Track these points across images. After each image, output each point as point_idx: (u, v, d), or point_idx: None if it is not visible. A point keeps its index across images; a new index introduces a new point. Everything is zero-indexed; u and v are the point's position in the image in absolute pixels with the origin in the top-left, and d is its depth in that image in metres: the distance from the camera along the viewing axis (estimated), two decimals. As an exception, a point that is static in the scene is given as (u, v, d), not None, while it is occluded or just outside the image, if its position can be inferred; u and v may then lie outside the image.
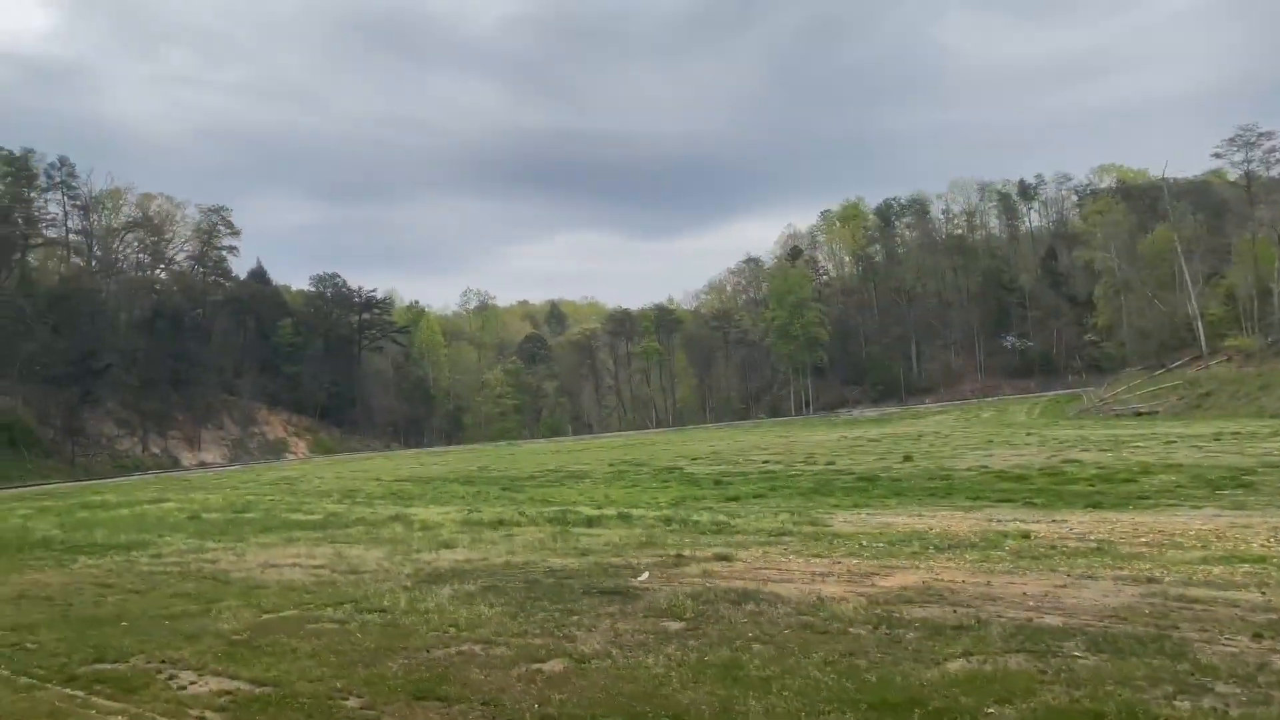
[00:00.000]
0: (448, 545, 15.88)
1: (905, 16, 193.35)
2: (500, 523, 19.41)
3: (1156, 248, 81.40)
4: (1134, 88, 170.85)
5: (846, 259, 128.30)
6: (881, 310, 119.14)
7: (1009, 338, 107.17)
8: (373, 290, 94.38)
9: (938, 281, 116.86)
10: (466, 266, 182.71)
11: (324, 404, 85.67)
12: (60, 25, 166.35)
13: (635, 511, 19.95)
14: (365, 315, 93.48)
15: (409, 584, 11.67)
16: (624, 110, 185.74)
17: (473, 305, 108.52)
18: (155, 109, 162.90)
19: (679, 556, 13.04)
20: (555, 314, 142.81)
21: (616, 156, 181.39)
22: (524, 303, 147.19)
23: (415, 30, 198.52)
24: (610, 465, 42.46)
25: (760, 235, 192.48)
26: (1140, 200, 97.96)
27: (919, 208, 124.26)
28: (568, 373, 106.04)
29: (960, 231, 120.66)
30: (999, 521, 15.98)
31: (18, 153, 77.21)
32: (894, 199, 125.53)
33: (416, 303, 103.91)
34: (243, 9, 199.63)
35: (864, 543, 13.62)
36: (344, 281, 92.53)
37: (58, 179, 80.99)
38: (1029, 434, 50.02)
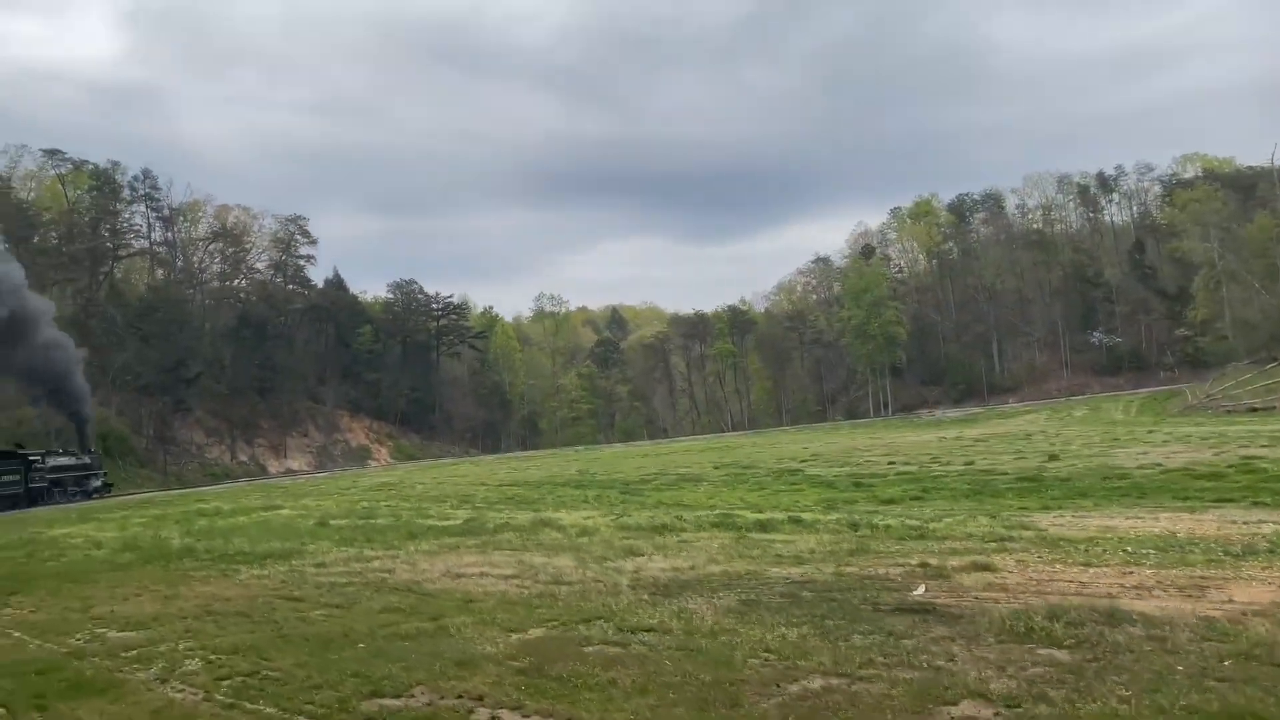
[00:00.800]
0: (633, 553, 14.69)
1: (954, 14, 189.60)
2: (662, 528, 18.18)
3: (1260, 236, 77.60)
4: (1198, 77, 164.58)
5: (920, 257, 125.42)
6: (958, 308, 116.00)
7: (1096, 334, 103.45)
8: (449, 296, 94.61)
9: (1017, 278, 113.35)
10: (521, 275, 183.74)
11: (404, 410, 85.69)
12: (130, 49, 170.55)
13: (805, 516, 18.56)
14: (442, 321, 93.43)
15: (645, 596, 10.47)
16: (675, 117, 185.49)
17: (546, 309, 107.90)
18: (222, 128, 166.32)
19: (925, 565, 11.64)
20: (616, 319, 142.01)
21: (668, 163, 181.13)
22: (583, 309, 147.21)
23: (470, 44, 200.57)
24: (716, 468, 41.14)
25: (813, 238, 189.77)
26: (1233, 188, 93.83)
27: (993, 203, 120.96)
28: (639, 376, 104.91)
29: (1038, 226, 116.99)
30: (1246, 523, 14.32)
31: (103, 166, 78.54)
32: (966, 194, 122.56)
33: (490, 308, 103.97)
34: (305, 30, 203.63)
35: (1127, 550, 12.07)
36: (420, 287, 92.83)
37: (141, 191, 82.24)
38: (1150, 431, 47.52)
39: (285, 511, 30.13)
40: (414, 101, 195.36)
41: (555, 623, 9.22)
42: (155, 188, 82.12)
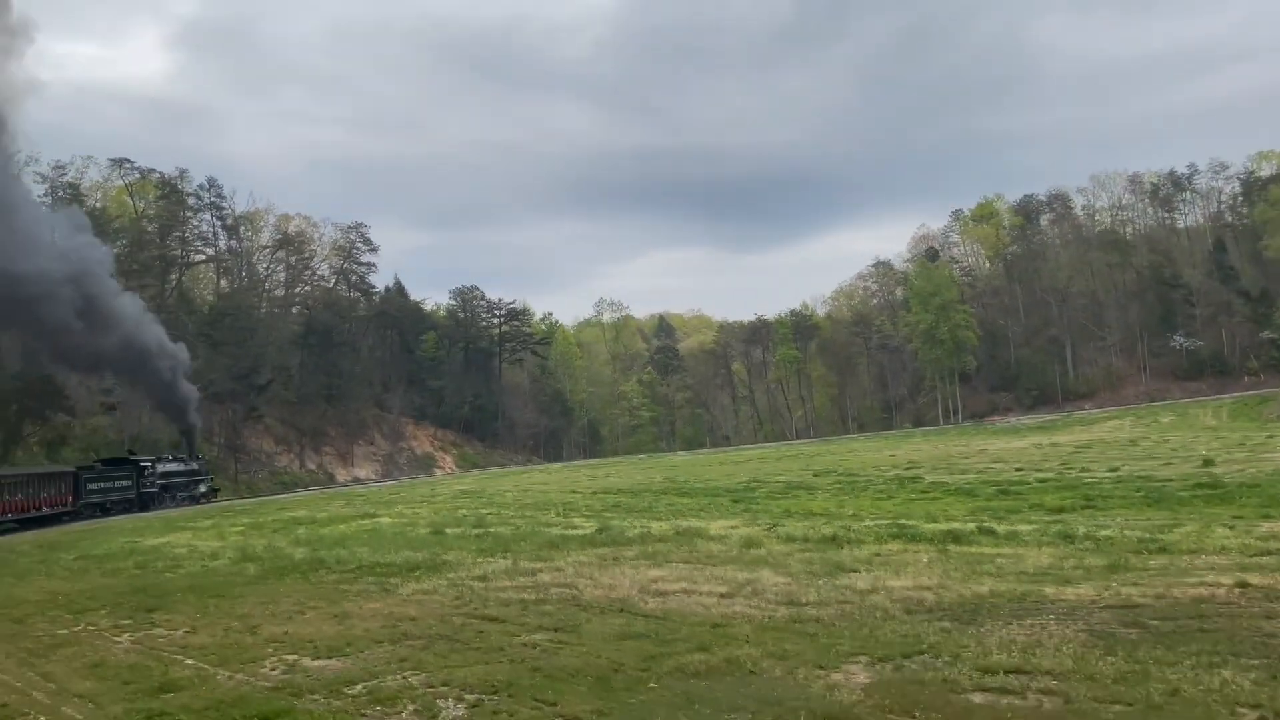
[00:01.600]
0: (840, 567, 12.94)
1: (1000, 19, 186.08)
2: (834, 539, 16.44)
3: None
4: (1249, 78, 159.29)
5: (984, 259, 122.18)
6: (1027, 311, 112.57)
7: (1177, 337, 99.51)
8: (512, 302, 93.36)
9: (1089, 280, 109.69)
10: (563, 286, 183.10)
11: (467, 418, 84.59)
12: (182, 69, 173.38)
13: (999, 527, 16.68)
14: (505, 327, 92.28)
15: (928, 622, 8.72)
16: (716, 126, 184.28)
17: (605, 316, 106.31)
18: (270, 144, 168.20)
19: (1244, 585, 9.75)
20: (664, 327, 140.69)
21: (709, 173, 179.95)
22: (628, 317, 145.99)
23: (512, 58, 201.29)
24: (816, 475, 39.37)
25: (857, 246, 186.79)
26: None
27: (1060, 204, 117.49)
28: (698, 383, 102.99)
29: (1109, 226, 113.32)
30: None
31: (170, 175, 78.66)
32: (1031, 195, 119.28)
33: (549, 314, 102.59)
34: (351, 48, 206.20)
35: None
36: (482, 293, 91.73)
37: (207, 200, 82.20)
38: (1270, 437, 45.02)
39: (385, 520, 28.85)
40: (457, 115, 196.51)
41: (867, 657, 7.50)
42: (221, 196, 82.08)
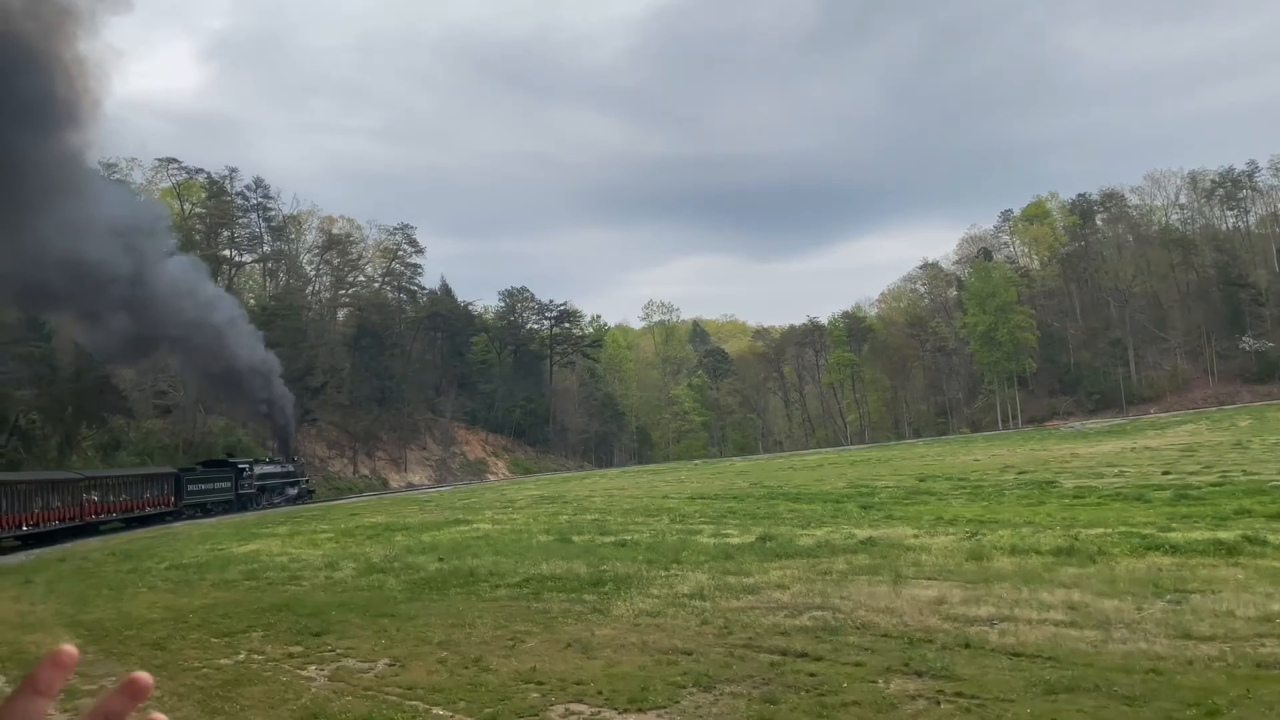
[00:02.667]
0: (1160, 586, 10.55)
1: (1027, 24, 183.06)
2: (1068, 551, 14.06)
3: None
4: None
5: (1035, 260, 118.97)
6: (1085, 313, 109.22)
7: (1245, 338, 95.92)
8: (563, 303, 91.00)
9: (1150, 280, 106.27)
10: (591, 294, 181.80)
11: (519, 422, 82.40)
12: (213, 81, 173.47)
13: (1271, 538, 14.22)
14: (556, 329, 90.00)
15: None
16: (741, 133, 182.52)
17: (655, 318, 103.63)
18: (299, 155, 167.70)
19: None
20: (698, 332, 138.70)
21: (734, 180, 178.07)
22: (661, 323, 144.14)
23: (538, 68, 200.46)
24: (921, 480, 36.99)
25: (881, 253, 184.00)
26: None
27: (1115, 203, 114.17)
28: (748, 388, 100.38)
29: (1170, 225, 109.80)
30: None
31: (220, 173, 77.48)
32: (1084, 194, 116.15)
33: (598, 317, 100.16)
34: (379, 60, 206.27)
35: None
36: (532, 294, 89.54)
37: (254, 201, 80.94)
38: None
39: (485, 526, 26.77)
40: (483, 125, 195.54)
41: None
42: (268, 196, 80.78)
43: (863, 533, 18.14)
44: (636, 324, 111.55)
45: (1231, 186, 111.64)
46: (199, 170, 77.42)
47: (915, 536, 17.45)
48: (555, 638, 9.62)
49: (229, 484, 48.40)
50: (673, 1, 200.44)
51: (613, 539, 20.18)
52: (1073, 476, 33.68)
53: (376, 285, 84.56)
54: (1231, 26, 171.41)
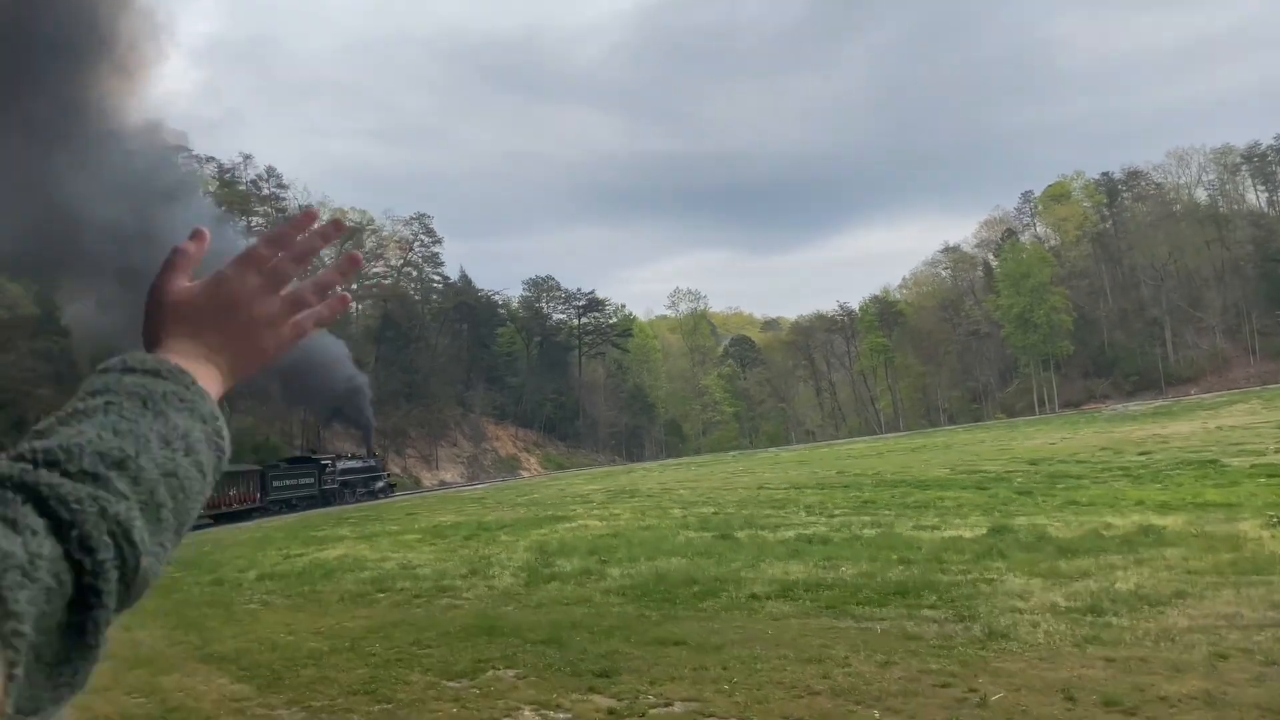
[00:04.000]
0: None
1: (1012, 16, 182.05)
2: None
3: None
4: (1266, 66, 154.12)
5: (1058, 240, 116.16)
6: (1116, 293, 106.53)
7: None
8: (591, 291, 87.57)
9: (1184, 259, 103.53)
10: (582, 290, 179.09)
11: (550, 416, 79.09)
12: (206, 84, 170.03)
13: None
14: (585, 319, 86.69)
15: None
16: (733, 127, 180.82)
17: (682, 307, 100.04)
18: (294, 157, 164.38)
19: None
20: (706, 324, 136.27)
21: (727, 175, 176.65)
22: (664, 317, 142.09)
23: (530, 67, 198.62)
24: (1031, 464, 34.01)
25: (880, 245, 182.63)
26: None
27: (1139, 181, 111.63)
28: (776, 377, 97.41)
29: (1205, 201, 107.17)
30: None
31: (230, 162, 74.46)
32: (1108, 173, 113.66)
33: (623, 306, 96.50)
34: (371, 61, 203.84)
35: None
36: (557, 283, 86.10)
37: (267, 190, 77.84)
38: None
39: (593, 523, 23.73)
40: (476, 125, 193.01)
41: None
42: (282, 185, 77.63)
43: (1122, 521, 15.10)
44: (653, 315, 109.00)
45: (1259, 161, 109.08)
46: (209, 158, 74.26)
47: (1191, 523, 14.43)
48: (954, 673, 6.59)
49: (312, 479, 48.39)
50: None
51: (791, 534, 17.13)
52: (1223, 453, 30.72)
53: (393, 278, 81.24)
54: (1215, 13, 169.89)
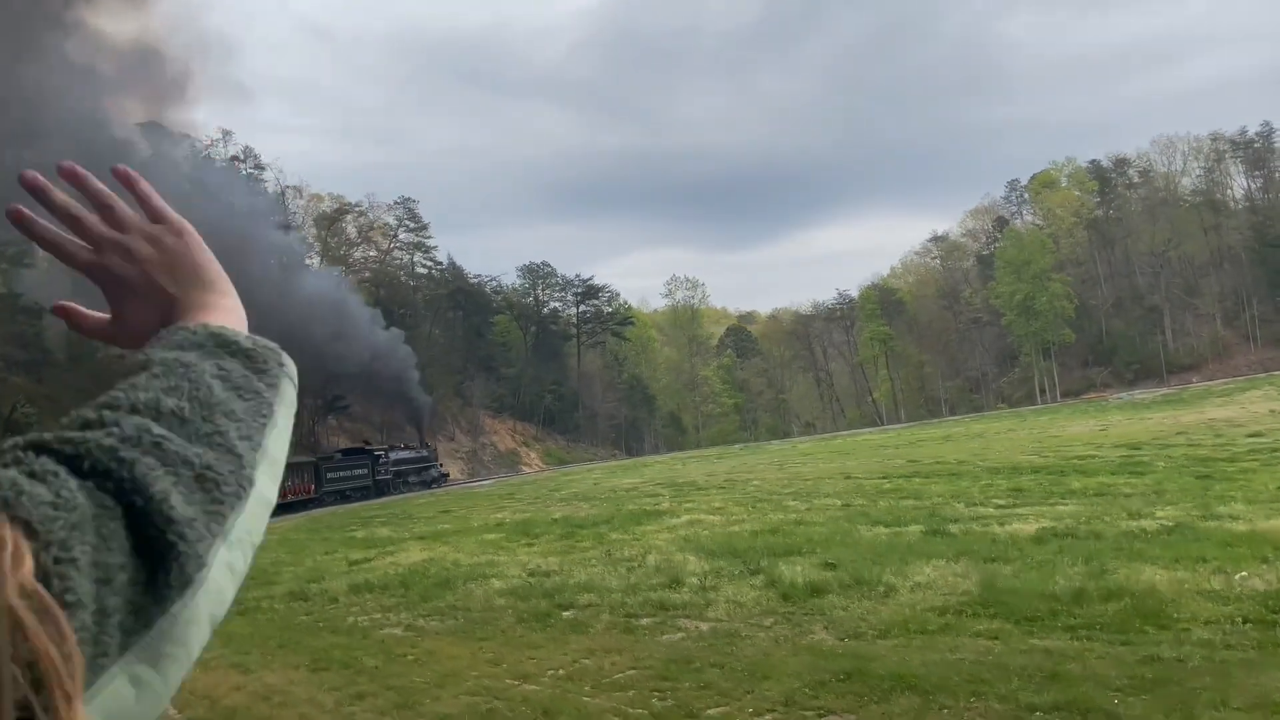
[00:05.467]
0: None
1: (967, 16, 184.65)
2: None
3: None
4: (1216, 67, 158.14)
5: (1050, 227, 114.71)
6: (1111, 281, 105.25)
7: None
8: (590, 277, 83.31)
9: (1181, 246, 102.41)
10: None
11: (550, 409, 75.03)
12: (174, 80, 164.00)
13: None
14: (583, 307, 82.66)
15: None
16: (692, 126, 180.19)
17: (679, 296, 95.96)
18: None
19: None
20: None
21: (690, 173, 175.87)
22: (657, 310, 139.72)
23: (491, 63, 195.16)
24: (1134, 449, 31.19)
25: (844, 241, 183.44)
26: None
27: (1125, 169, 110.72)
28: (774, 369, 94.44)
29: (1200, 187, 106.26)
30: None
31: (209, 138, 69.84)
32: (1095, 161, 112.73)
33: (617, 295, 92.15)
34: (327, 59, 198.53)
35: None
36: (554, 269, 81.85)
37: (244, 172, 73.11)
38: None
39: (706, 517, 20.37)
40: (436, 122, 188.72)
41: None
42: (260, 166, 73.01)
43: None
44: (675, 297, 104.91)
45: (1246, 149, 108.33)
46: (184, 135, 69.39)
47: None
48: None
49: (366, 470, 48.31)
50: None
51: (1029, 527, 13.90)
52: None
53: (378, 265, 76.81)
54: (1155, 16, 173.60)
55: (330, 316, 48.85)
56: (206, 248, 0.79)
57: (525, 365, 72.81)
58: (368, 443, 54.26)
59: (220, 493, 0.60)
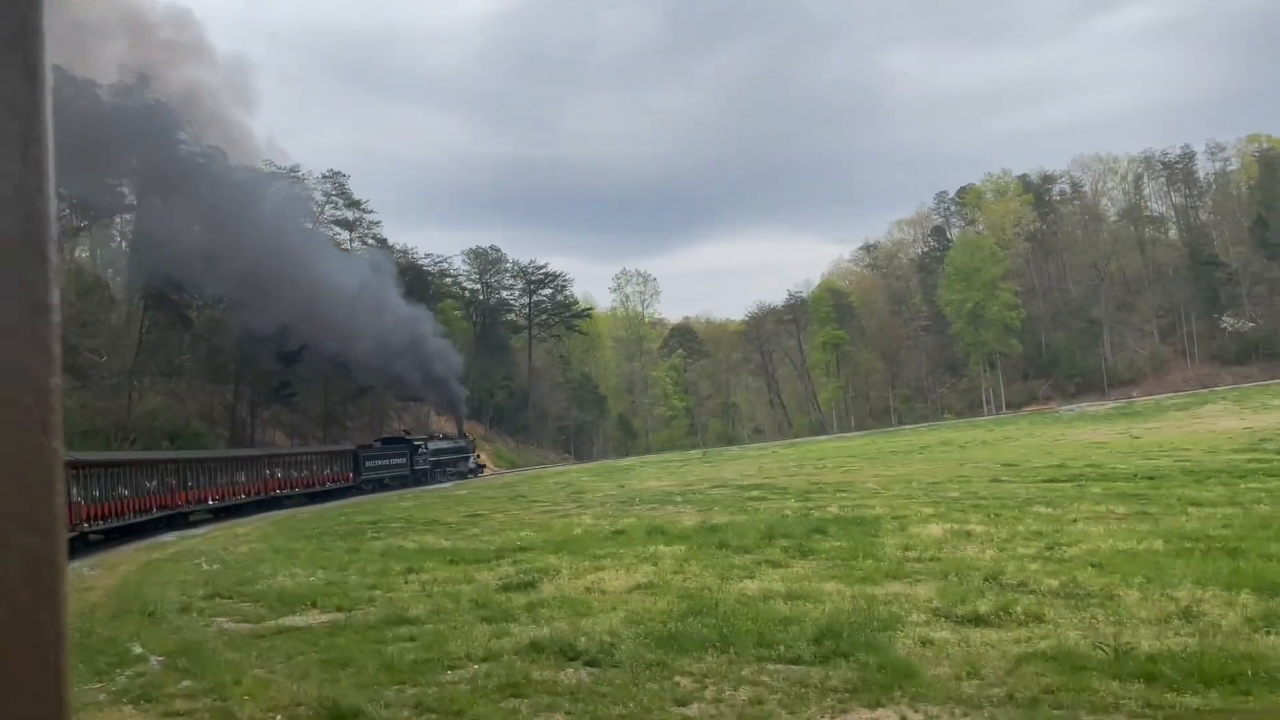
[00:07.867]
0: None
1: (853, 47, 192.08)
2: None
3: None
4: (1082, 108, 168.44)
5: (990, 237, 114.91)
6: (1049, 294, 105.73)
7: (1227, 318, 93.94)
8: (544, 265, 77.07)
9: (1119, 261, 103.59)
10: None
11: (500, 406, 69.00)
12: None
13: None
14: (537, 297, 76.45)
15: None
16: (588, 139, 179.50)
17: (630, 289, 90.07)
18: None
19: None
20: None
21: (581, 184, 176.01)
22: (638, 296, 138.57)
23: (382, 69, 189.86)
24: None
25: (724, 256, 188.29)
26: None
27: (1051, 185, 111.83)
28: (721, 373, 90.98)
29: (1135, 203, 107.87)
30: None
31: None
32: (1025, 175, 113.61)
33: (571, 282, 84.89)
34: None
35: None
36: (504, 255, 75.39)
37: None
38: None
39: (951, 527, 16.27)
40: (327, 124, 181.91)
41: None
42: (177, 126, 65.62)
43: None
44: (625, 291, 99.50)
45: (1167, 169, 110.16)
46: (90, 82, 61.76)
47: None
48: None
49: (404, 460, 48.92)
50: (520, 5, 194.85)
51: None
52: None
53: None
54: (1033, 55, 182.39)
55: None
56: None
57: (473, 358, 66.87)
58: (407, 432, 55.06)
59: None
